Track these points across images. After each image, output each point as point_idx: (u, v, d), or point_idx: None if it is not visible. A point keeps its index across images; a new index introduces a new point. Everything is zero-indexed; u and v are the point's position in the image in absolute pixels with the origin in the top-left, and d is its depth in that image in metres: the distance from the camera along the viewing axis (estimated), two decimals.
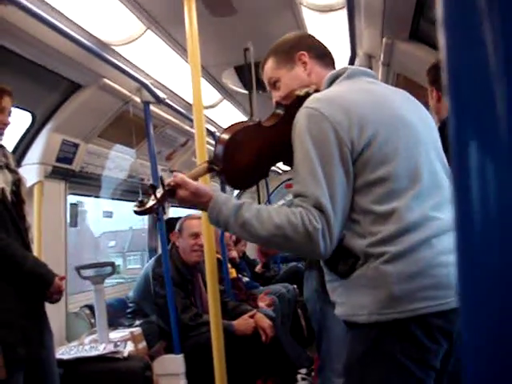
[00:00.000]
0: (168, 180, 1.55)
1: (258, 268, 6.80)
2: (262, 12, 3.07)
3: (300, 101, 1.54)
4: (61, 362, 2.85)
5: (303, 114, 1.46)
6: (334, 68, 1.72)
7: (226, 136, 1.58)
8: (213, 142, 4.76)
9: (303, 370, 4.28)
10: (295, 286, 5.94)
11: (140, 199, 1.56)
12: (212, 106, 4.60)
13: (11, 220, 2.39)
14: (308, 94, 1.56)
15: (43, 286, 2.46)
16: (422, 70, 2.70)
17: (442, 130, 1.83)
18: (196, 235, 3.71)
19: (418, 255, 1.38)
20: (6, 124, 2.50)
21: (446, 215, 1.43)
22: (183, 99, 4.26)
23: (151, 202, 1.53)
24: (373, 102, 1.52)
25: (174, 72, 3.79)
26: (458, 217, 0.38)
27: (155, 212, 1.56)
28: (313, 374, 4.13)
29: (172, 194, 1.53)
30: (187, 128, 4.78)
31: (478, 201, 0.36)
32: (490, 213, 0.37)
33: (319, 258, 1.49)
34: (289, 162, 1.57)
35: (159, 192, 1.53)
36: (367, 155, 1.42)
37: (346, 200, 1.42)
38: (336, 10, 3.06)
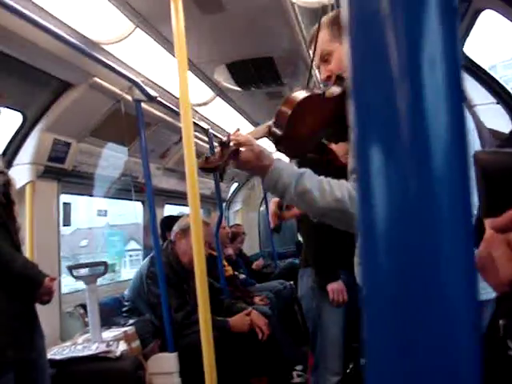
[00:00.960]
0: (232, 139, 1.49)
1: (255, 264, 6.81)
2: (251, 8, 3.05)
3: None
4: (53, 362, 2.85)
5: None
6: None
7: (292, 100, 1.55)
8: (206, 139, 4.76)
9: (299, 367, 4.30)
10: (292, 283, 5.94)
11: (207, 155, 1.49)
12: (205, 104, 4.58)
13: (0, 222, 2.39)
14: None
15: (33, 287, 2.46)
16: None
17: None
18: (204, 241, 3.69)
19: None
20: None
21: None
22: (175, 96, 4.24)
23: (216, 162, 1.47)
24: None
25: (165, 69, 3.77)
26: (362, 219, 0.38)
27: (219, 171, 1.49)
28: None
29: (236, 153, 1.48)
30: (180, 125, 4.75)
31: (380, 202, 0.36)
32: (392, 214, 0.37)
33: None
34: (342, 136, 1.57)
35: (226, 150, 1.47)
36: None
37: None
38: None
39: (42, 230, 3.46)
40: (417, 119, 0.35)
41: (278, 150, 1.56)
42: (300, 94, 1.57)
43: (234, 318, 3.70)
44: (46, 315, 2.65)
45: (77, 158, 3.83)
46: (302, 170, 1.46)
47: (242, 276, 5.86)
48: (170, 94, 4.16)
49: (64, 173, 3.74)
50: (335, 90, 1.61)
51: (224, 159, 1.46)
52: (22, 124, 3.40)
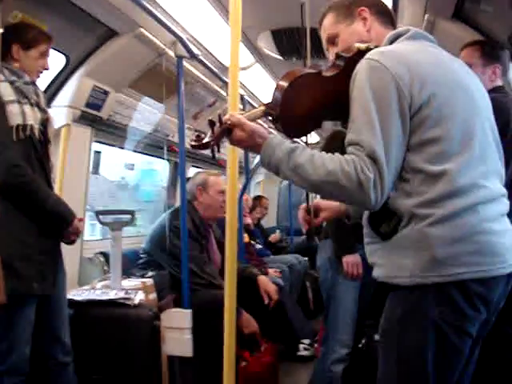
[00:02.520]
0: (225, 118, 1.53)
1: (272, 237, 6.83)
2: None
3: (361, 54, 1.52)
4: (72, 302, 2.90)
5: (365, 64, 1.46)
6: (394, 28, 1.72)
7: (286, 81, 1.56)
8: (241, 106, 4.74)
9: (306, 341, 4.33)
10: (306, 259, 5.97)
11: (197, 134, 1.56)
12: (244, 68, 4.56)
13: (37, 158, 2.42)
14: (369, 49, 1.55)
15: (63, 224, 2.49)
16: (459, 50, 2.66)
17: None
18: (223, 192, 3.75)
19: (462, 220, 1.39)
20: (44, 68, 2.56)
21: (493, 185, 1.48)
22: (217, 59, 4.23)
23: (208, 138, 1.52)
24: (434, 63, 1.51)
25: (211, 30, 3.76)
26: None
27: (211, 149, 1.54)
28: (315, 345, 4.17)
29: (228, 133, 1.52)
30: (217, 88, 4.76)
31: None
32: None
33: (368, 208, 1.48)
34: (342, 115, 1.57)
35: (217, 129, 1.52)
36: (425, 113, 1.41)
37: (399, 154, 1.42)
38: None
39: (73, 173, 3.50)
40: None
41: (277, 129, 1.59)
42: (293, 74, 1.58)
43: (263, 277, 3.79)
44: (67, 258, 2.68)
45: (113, 108, 3.84)
46: (295, 145, 1.48)
47: (259, 246, 5.90)
48: (212, 54, 4.15)
49: (99, 121, 3.76)
50: (333, 69, 1.63)
51: (214, 137, 1.50)
52: (64, 66, 3.42)
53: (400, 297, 1.47)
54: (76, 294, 3.07)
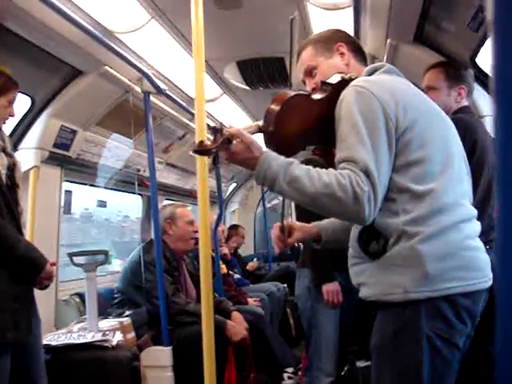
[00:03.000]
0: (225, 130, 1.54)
1: (250, 266, 6.80)
2: (268, 7, 3.06)
3: (345, 83, 1.61)
4: (48, 348, 2.84)
5: (352, 91, 1.53)
6: (366, 65, 1.81)
7: (280, 100, 1.61)
8: (210, 137, 4.75)
9: (290, 369, 4.28)
10: (285, 286, 5.94)
11: (201, 140, 1.55)
12: (212, 100, 4.58)
13: (5, 203, 2.37)
14: (351, 79, 1.63)
15: (35, 270, 2.44)
16: (423, 73, 2.70)
17: None
18: (192, 223, 3.75)
19: (448, 237, 1.46)
20: (12, 116, 2.53)
21: (469, 205, 1.58)
22: (184, 92, 4.25)
23: (211, 145, 1.51)
24: (411, 93, 1.62)
25: (176, 63, 3.78)
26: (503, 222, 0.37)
27: (212, 156, 1.55)
28: (299, 373, 4.13)
29: (228, 142, 1.52)
30: (186, 121, 4.77)
31: None
32: None
33: (361, 222, 1.49)
34: (325, 139, 1.65)
35: (219, 137, 1.51)
36: (408, 136, 1.49)
37: (387, 173, 1.48)
38: (342, 8, 3.06)
39: (44, 215, 3.45)
40: None
41: (269, 148, 1.60)
42: (288, 93, 1.64)
43: (231, 323, 3.68)
44: (42, 302, 2.64)
45: (82, 147, 3.82)
46: (291, 159, 1.51)
47: (237, 276, 5.86)
48: (179, 88, 4.16)
49: (68, 160, 3.74)
50: (320, 94, 1.69)
51: (217, 144, 1.50)
52: (30, 108, 3.40)
53: (392, 313, 1.51)
54: (52, 338, 3.01)
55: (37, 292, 2.56)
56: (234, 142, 1.52)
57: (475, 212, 1.60)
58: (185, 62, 3.63)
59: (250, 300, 4.87)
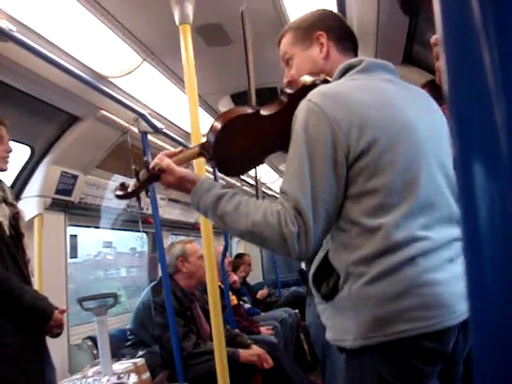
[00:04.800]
0: (153, 163, 1.50)
1: (260, 294, 6.79)
2: (257, 40, 3.09)
3: (306, 90, 1.44)
4: None
5: (304, 107, 1.37)
6: (356, 54, 1.63)
7: (219, 123, 1.50)
8: (210, 170, 4.79)
9: None
10: (297, 311, 5.92)
11: (122, 182, 1.52)
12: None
13: (9, 254, 2.39)
14: (314, 84, 1.48)
15: (43, 319, 2.45)
16: None
17: None
18: (203, 257, 3.77)
19: (401, 274, 1.30)
20: (8, 151, 2.51)
21: (438, 234, 1.36)
22: (181, 128, 4.29)
23: (134, 186, 1.50)
24: (380, 103, 1.40)
25: (171, 102, 3.82)
26: (466, 236, 0.38)
27: (137, 197, 1.52)
28: None
29: (157, 178, 1.50)
30: None
31: (484, 219, 0.37)
32: (496, 228, 0.37)
33: (293, 259, 1.41)
34: (286, 150, 1.49)
35: (143, 175, 1.50)
36: (364, 162, 1.33)
37: (332, 206, 1.34)
38: None
39: (50, 261, 3.47)
40: None
41: (212, 167, 1.57)
42: (228, 115, 1.53)
43: (244, 350, 3.68)
44: (54, 348, 2.64)
45: (83, 190, 3.85)
46: (224, 191, 1.44)
47: (247, 305, 5.85)
48: (176, 125, 4.21)
49: (71, 205, 3.77)
50: (274, 107, 1.55)
51: (140, 184, 1.49)
52: (29, 157, 3.44)
53: (352, 360, 1.39)
54: None
55: (48, 338, 2.56)
56: (165, 175, 1.48)
57: (452, 237, 1.38)
58: (179, 100, 3.67)
59: (262, 329, 4.85)
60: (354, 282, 1.33)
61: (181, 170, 1.50)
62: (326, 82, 1.52)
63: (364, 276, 1.31)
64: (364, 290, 1.31)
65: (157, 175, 1.49)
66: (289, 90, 1.55)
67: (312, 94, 1.39)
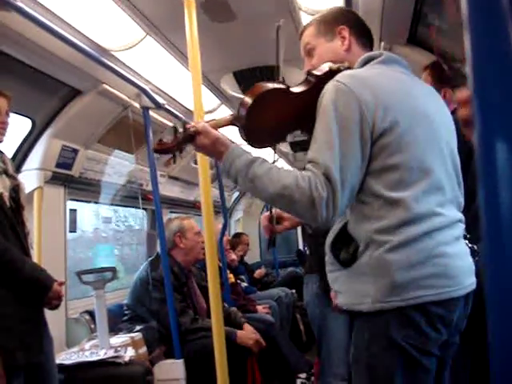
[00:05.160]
0: (189, 125, 1.56)
1: (257, 273, 6.81)
2: (261, 17, 3.07)
3: (331, 74, 1.55)
4: (61, 367, 2.85)
5: (332, 86, 1.47)
6: (371, 49, 1.75)
7: (253, 93, 1.58)
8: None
9: (302, 375, 4.29)
10: (294, 291, 5.96)
11: (160, 138, 1.58)
12: (210, 112, 4.60)
13: (10, 225, 2.39)
14: (339, 70, 1.58)
15: (42, 291, 2.46)
16: (419, 74, 2.71)
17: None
18: (200, 233, 3.77)
19: (419, 245, 1.42)
20: (3, 123, 2.49)
21: (449, 212, 1.51)
22: (182, 105, 4.27)
23: (171, 143, 1.54)
24: (400, 91, 1.54)
25: (173, 78, 3.80)
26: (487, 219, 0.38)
27: (172, 154, 1.56)
28: (312, 378, 4.13)
29: (192, 139, 1.54)
30: None
31: (505, 204, 0.37)
32: None
33: (318, 224, 1.48)
34: (308, 130, 1.58)
35: (180, 134, 1.54)
36: (386, 140, 1.44)
37: (356, 177, 1.44)
38: None
39: (50, 235, 3.47)
40: None
41: (243, 139, 1.61)
42: (263, 87, 1.60)
43: (241, 331, 3.70)
44: (52, 321, 2.65)
45: (84, 165, 3.85)
46: (255, 157, 1.51)
47: (244, 284, 5.87)
48: (177, 101, 4.19)
49: (71, 179, 3.76)
50: (302, 86, 1.65)
51: (177, 142, 1.53)
52: (30, 130, 3.43)
53: (365, 323, 1.49)
54: (65, 357, 3.02)
55: (46, 311, 2.57)
56: (199, 137, 1.53)
57: (457, 217, 1.56)
58: (182, 76, 3.65)
59: (259, 307, 4.89)
60: (376, 249, 1.44)
61: (216, 133, 1.56)
62: (349, 69, 1.61)
63: (386, 244, 1.42)
64: (385, 257, 1.42)
65: (192, 136, 1.54)
66: (317, 72, 1.64)
67: (340, 76, 1.50)
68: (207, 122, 1.62)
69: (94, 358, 2.96)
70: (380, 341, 1.45)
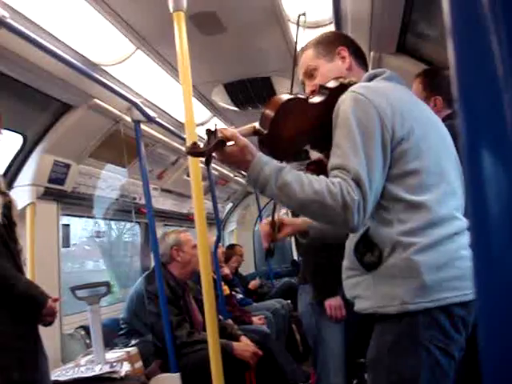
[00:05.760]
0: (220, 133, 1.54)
1: (252, 284, 6.80)
2: (251, 29, 3.10)
3: (343, 88, 1.60)
4: (57, 383, 2.82)
5: (349, 97, 1.51)
6: (367, 70, 1.83)
7: (275, 103, 1.61)
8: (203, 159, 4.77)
9: None
10: (289, 302, 5.94)
11: (194, 141, 1.55)
12: (202, 124, 4.61)
13: (2, 242, 2.37)
14: (350, 84, 1.62)
15: (36, 307, 2.44)
16: (409, 83, 2.72)
17: None
18: (196, 246, 3.77)
19: (443, 248, 1.46)
20: None
21: (461, 216, 1.55)
22: (173, 118, 4.28)
23: (204, 147, 1.52)
24: (409, 101, 1.61)
25: (164, 91, 3.81)
26: (474, 218, 0.39)
27: (206, 157, 1.54)
28: None
29: (222, 145, 1.52)
30: (178, 146, 4.79)
31: (491, 202, 0.37)
32: (503, 213, 0.37)
33: (350, 230, 1.51)
34: (320, 144, 1.66)
35: (212, 140, 1.52)
36: (405, 146, 1.48)
37: (380, 182, 1.47)
38: (324, 25, 3.10)
39: (43, 251, 3.46)
40: None
41: (262, 151, 1.60)
42: (284, 97, 1.64)
43: (237, 343, 3.68)
44: (47, 337, 2.63)
45: (76, 180, 3.84)
46: (283, 164, 1.52)
47: (239, 296, 5.86)
48: (169, 114, 4.19)
49: (64, 194, 3.75)
50: (318, 98, 1.69)
51: (209, 147, 1.51)
52: (22, 146, 3.42)
53: (389, 325, 1.50)
54: (60, 373, 2.99)
55: (41, 327, 2.56)
56: (228, 144, 1.52)
57: (466, 224, 1.56)
58: (173, 89, 3.66)
59: (254, 319, 4.87)
60: (404, 251, 1.46)
61: (245, 140, 1.55)
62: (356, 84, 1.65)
63: (413, 246, 1.45)
64: (414, 258, 1.44)
65: (223, 141, 1.52)
66: (331, 85, 1.70)
67: (355, 87, 1.55)
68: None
69: (90, 373, 2.93)
70: (406, 342, 1.47)
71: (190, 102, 2.39)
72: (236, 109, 4.51)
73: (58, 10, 2.58)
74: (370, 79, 1.69)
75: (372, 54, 3.36)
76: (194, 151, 1.53)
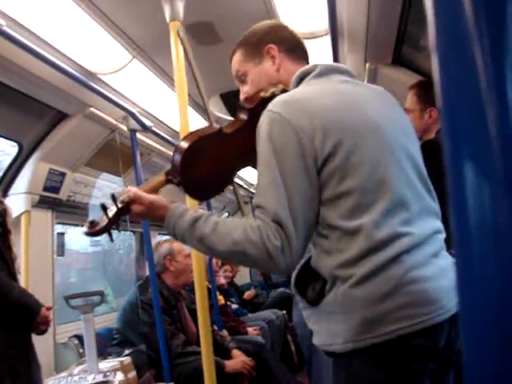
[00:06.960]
0: (121, 197, 1.45)
1: (247, 294, 6.78)
2: None
3: (265, 103, 1.42)
4: None
5: (265, 118, 1.36)
6: (307, 61, 1.62)
7: (182, 146, 1.48)
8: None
9: None
10: (284, 312, 5.92)
11: (91, 219, 1.45)
12: None
13: None
14: (273, 96, 1.46)
15: (30, 316, 2.44)
16: (405, 94, 2.73)
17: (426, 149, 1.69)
18: (190, 256, 3.76)
19: (387, 274, 1.28)
20: None
21: (419, 228, 1.35)
22: (169, 127, 4.28)
23: (103, 222, 1.43)
24: (341, 104, 1.40)
25: (160, 100, 3.81)
26: (457, 238, 0.39)
27: (108, 232, 1.45)
28: None
29: (126, 210, 1.44)
30: None
31: (474, 221, 0.37)
32: (486, 230, 0.37)
33: (281, 273, 1.41)
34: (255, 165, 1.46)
35: (111, 211, 1.44)
36: (333, 165, 1.31)
37: (310, 213, 1.32)
38: (319, 36, 3.11)
39: (37, 259, 3.45)
40: (507, 133, 0.36)
41: (184, 192, 1.53)
42: (191, 137, 1.50)
43: (229, 362, 3.66)
44: (40, 346, 2.62)
45: (71, 188, 3.84)
46: (198, 214, 1.39)
47: (234, 306, 5.84)
48: (165, 124, 4.20)
49: (59, 203, 3.75)
50: (237, 123, 1.56)
51: (110, 220, 1.42)
52: (17, 154, 3.41)
53: (342, 363, 1.36)
54: (53, 382, 2.97)
55: (34, 336, 2.55)
56: (134, 206, 1.43)
57: (433, 229, 1.40)
58: (169, 98, 3.66)
59: (249, 329, 4.85)
60: (342, 285, 1.30)
61: (149, 196, 1.45)
62: (284, 91, 1.50)
63: (350, 279, 1.29)
64: (351, 293, 1.29)
65: (125, 208, 1.43)
66: (248, 105, 1.54)
67: (272, 104, 1.37)
68: (140, 187, 1.52)
69: (83, 383, 2.91)
70: (360, 382, 1.32)
71: (185, 111, 2.40)
72: (232, 119, 4.50)
73: (54, 18, 2.58)
74: (300, 80, 1.50)
75: (368, 65, 3.37)
76: (93, 231, 1.44)
